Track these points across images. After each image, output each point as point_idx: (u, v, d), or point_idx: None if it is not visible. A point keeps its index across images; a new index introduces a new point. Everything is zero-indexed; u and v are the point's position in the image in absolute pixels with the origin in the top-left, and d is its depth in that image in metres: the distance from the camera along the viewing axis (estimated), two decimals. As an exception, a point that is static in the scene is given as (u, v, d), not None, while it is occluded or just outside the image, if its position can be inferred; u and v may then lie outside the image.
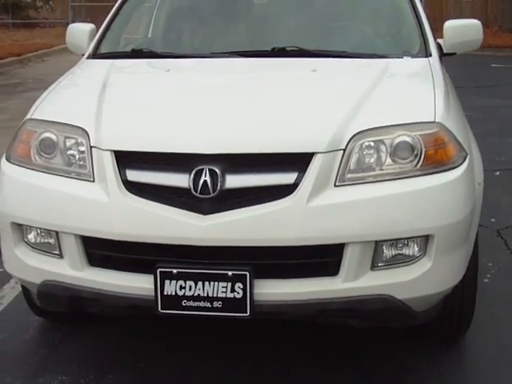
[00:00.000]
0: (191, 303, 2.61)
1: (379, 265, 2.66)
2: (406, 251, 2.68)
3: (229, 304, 2.59)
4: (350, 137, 2.66)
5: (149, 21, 4.42)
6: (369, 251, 2.62)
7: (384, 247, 2.65)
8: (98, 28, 4.02)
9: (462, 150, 2.83)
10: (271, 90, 3.11)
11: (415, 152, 2.69)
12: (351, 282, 2.62)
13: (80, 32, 4.00)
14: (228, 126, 2.72)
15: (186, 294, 2.60)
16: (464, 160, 2.81)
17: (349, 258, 2.60)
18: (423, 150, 2.69)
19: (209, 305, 2.60)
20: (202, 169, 2.58)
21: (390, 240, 2.65)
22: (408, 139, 2.70)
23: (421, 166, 2.69)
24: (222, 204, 2.58)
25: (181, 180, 2.60)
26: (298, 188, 2.57)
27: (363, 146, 2.68)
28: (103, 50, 3.82)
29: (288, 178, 2.59)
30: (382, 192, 2.64)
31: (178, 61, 3.59)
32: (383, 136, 2.70)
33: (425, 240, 2.68)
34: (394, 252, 2.68)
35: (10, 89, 11.32)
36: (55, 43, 16.59)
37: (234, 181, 2.59)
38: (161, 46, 4.01)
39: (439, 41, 3.76)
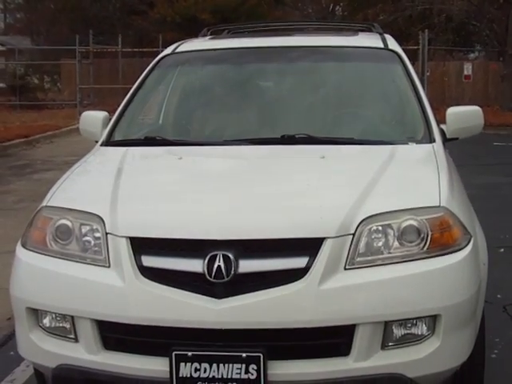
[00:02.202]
0: None
1: (389, 344, 2.74)
2: (414, 330, 2.76)
3: None
4: (358, 222, 2.77)
5: (160, 105, 4.57)
6: (379, 331, 2.70)
7: (393, 327, 2.73)
8: (109, 113, 4.17)
9: (467, 233, 2.94)
10: (281, 176, 3.24)
11: (422, 235, 2.80)
12: (362, 361, 2.69)
13: (94, 119, 4.13)
14: (239, 212, 2.84)
15: (201, 376, 2.66)
16: (469, 242, 2.92)
17: (360, 338, 2.67)
18: (429, 233, 2.80)
19: None
20: (216, 254, 2.68)
21: (399, 320, 2.73)
22: (415, 223, 2.81)
23: (427, 248, 2.80)
24: (235, 288, 2.67)
25: (195, 265, 2.70)
26: (310, 271, 2.67)
27: (372, 230, 2.79)
28: (117, 137, 3.95)
29: (300, 262, 2.69)
30: (390, 274, 2.74)
31: (191, 148, 3.73)
32: (391, 220, 2.82)
33: (433, 319, 2.76)
34: (403, 331, 2.75)
35: (17, 170, 11.45)
36: (63, 124, 16.89)
37: (246, 265, 2.69)
38: (172, 133, 4.14)
39: (442, 126, 3.91)
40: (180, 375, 2.67)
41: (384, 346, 2.73)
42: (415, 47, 19.80)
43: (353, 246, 2.74)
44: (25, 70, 24.89)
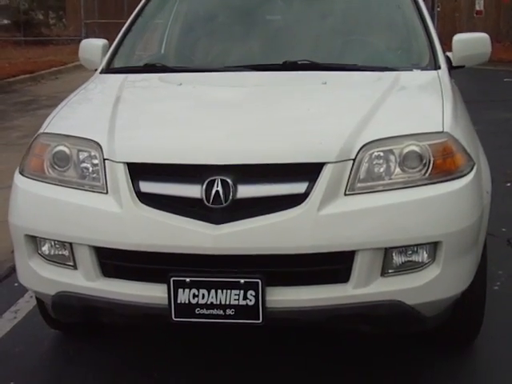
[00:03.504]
0: (204, 311, 2.66)
1: (389, 271, 2.71)
2: (415, 258, 2.73)
3: (241, 311, 2.64)
4: (359, 147, 2.72)
5: (162, 37, 4.49)
6: (379, 258, 2.67)
7: (394, 254, 2.70)
8: (111, 44, 4.09)
9: (470, 160, 2.88)
10: (281, 102, 3.18)
11: (424, 161, 2.74)
12: (362, 288, 2.67)
13: (93, 47, 4.06)
14: (238, 137, 2.78)
15: (199, 302, 2.65)
16: (472, 169, 2.86)
17: (359, 265, 2.65)
18: (431, 159, 2.75)
19: (222, 312, 2.65)
20: (214, 179, 2.64)
21: (400, 247, 2.70)
22: (417, 149, 2.75)
23: (429, 174, 2.74)
24: (233, 214, 2.63)
25: (193, 190, 2.66)
26: (309, 197, 2.63)
27: (373, 155, 2.74)
28: (116, 64, 3.89)
29: (299, 187, 2.65)
30: (391, 200, 2.69)
31: (191, 75, 3.67)
32: (392, 146, 2.76)
33: (433, 247, 2.73)
34: (403, 259, 2.72)
35: (22, 106, 11.42)
36: (68, 60, 16.71)
37: (245, 191, 2.65)
38: (174, 61, 4.09)
39: (448, 54, 3.81)
40: (178, 301, 2.66)
41: (384, 273, 2.70)
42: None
43: (353, 171, 2.69)
44: (29, 5, 24.53)
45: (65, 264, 2.88)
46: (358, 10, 4.07)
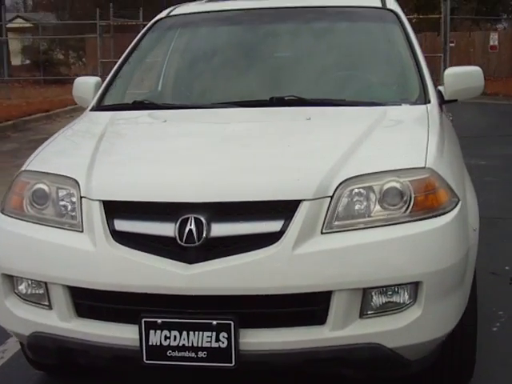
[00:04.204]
0: (176, 353, 2.59)
1: (368, 313, 2.62)
2: (395, 298, 2.64)
3: (214, 354, 2.57)
4: (337, 184, 2.65)
5: (159, 75, 4.50)
6: (357, 299, 2.58)
7: (373, 295, 2.62)
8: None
9: (454, 196, 2.80)
10: (262, 138, 3.14)
11: (404, 198, 2.67)
12: (339, 330, 2.58)
13: (86, 85, 4.07)
14: (213, 174, 2.73)
15: (171, 344, 2.58)
16: (456, 205, 2.77)
17: (336, 306, 2.56)
18: (413, 195, 2.67)
19: (194, 355, 2.58)
20: (188, 217, 2.59)
21: (379, 287, 2.61)
22: (397, 185, 2.68)
23: (410, 211, 2.67)
24: (207, 253, 2.58)
25: (167, 229, 2.61)
26: (284, 236, 2.56)
27: (352, 192, 2.67)
28: (107, 102, 3.88)
29: (274, 225, 2.58)
30: (369, 239, 2.61)
31: (177, 111, 3.65)
32: (372, 182, 2.69)
33: (414, 287, 2.63)
34: (383, 299, 2.63)
35: (36, 144, 11.28)
36: (84, 99, 16.88)
37: (219, 229, 2.59)
38: (163, 98, 4.10)
39: (440, 88, 3.75)
40: (150, 343, 2.59)
41: (362, 315, 2.61)
42: (437, 16, 19.37)
43: (331, 209, 2.62)
44: (48, 46, 24.96)
45: (40, 304, 2.84)
46: (348, 45, 4.03)
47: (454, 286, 2.73)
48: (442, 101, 3.71)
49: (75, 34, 25.30)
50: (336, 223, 2.63)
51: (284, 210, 2.59)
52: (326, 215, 2.61)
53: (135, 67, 4.17)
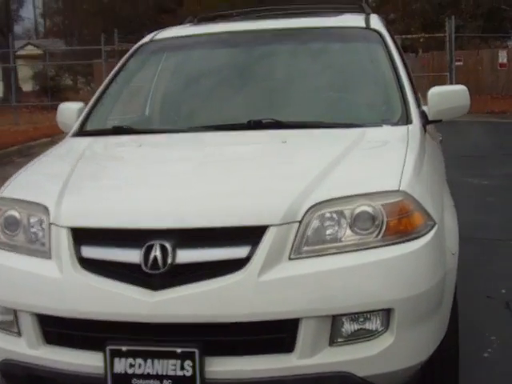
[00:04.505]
0: (141, 381, 2.54)
1: (338, 340, 2.55)
2: (367, 326, 2.57)
3: (179, 382, 2.52)
4: (306, 208, 2.60)
5: (143, 100, 4.48)
6: (326, 326, 2.52)
7: (343, 322, 2.55)
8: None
9: (430, 220, 2.73)
10: (234, 163, 3.10)
11: (376, 222, 2.61)
12: (307, 358, 2.51)
13: (69, 111, 4.06)
14: (179, 200, 2.69)
15: (136, 373, 2.54)
16: (431, 229, 2.70)
17: (304, 334, 2.50)
18: (385, 219, 2.61)
19: (159, 383, 2.52)
20: (153, 244, 2.55)
21: (348, 314, 2.54)
22: (369, 209, 2.62)
23: (382, 236, 2.60)
24: (172, 279, 2.53)
25: (132, 256, 2.58)
26: (250, 262, 2.51)
27: (322, 217, 2.61)
28: (88, 127, 3.86)
29: (241, 251, 2.53)
30: (339, 264, 2.55)
31: (153, 137, 3.62)
32: (343, 207, 2.63)
33: (386, 314, 2.56)
34: (354, 327, 2.57)
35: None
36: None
37: (184, 256, 2.54)
38: (146, 123, 4.06)
39: (424, 108, 3.68)
40: (115, 371, 2.55)
41: (332, 342, 2.54)
42: (442, 35, 19.33)
43: (299, 234, 2.56)
44: (56, 72, 25.19)
45: (10, 331, 2.82)
46: (330, 66, 3.98)
47: (429, 312, 2.65)
48: (425, 121, 3.65)
49: (82, 59, 25.55)
50: (305, 248, 2.57)
51: (251, 235, 2.54)
52: (294, 240, 2.56)
53: (118, 92, 4.14)
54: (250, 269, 2.49)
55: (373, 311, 2.55)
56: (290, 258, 2.54)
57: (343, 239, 2.60)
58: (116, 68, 4.22)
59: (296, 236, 2.56)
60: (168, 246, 2.53)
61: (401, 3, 25.09)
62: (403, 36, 25.16)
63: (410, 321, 2.58)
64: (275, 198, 2.64)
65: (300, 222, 2.57)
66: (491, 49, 23.70)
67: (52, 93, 22.57)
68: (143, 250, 2.55)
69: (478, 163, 10.29)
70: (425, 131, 3.58)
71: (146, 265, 2.54)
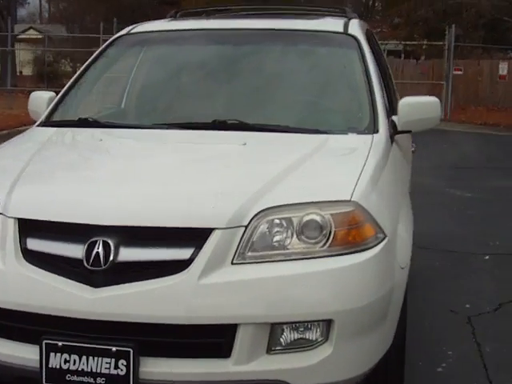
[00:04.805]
0: (75, 378, 2.53)
1: (276, 348, 2.54)
2: (307, 335, 2.56)
3: (112, 381, 2.50)
4: (254, 213, 2.58)
5: (118, 93, 4.45)
6: (264, 334, 2.50)
7: (282, 330, 2.54)
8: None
9: (380, 232, 2.71)
10: (189, 163, 3.08)
11: (324, 232, 2.59)
12: (243, 365, 2.50)
13: (40, 100, 4.02)
14: (126, 197, 2.67)
15: (71, 368, 2.52)
16: (380, 242, 2.68)
17: (241, 340, 2.48)
18: (333, 229, 2.59)
19: (92, 381, 2.52)
20: (96, 240, 2.53)
21: (287, 323, 2.52)
22: (317, 218, 2.60)
23: (329, 246, 2.59)
24: (113, 277, 2.52)
25: (75, 251, 2.56)
26: (192, 264, 2.49)
27: (269, 223, 2.59)
28: (55, 118, 3.84)
29: (184, 253, 2.52)
30: (281, 272, 2.54)
31: (115, 131, 3.59)
32: (291, 214, 2.61)
33: (327, 324, 2.55)
34: (294, 336, 2.55)
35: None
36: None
37: (127, 254, 2.53)
38: (111, 117, 4.01)
39: (394, 118, 3.66)
40: (50, 366, 2.54)
41: (270, 350, 2.53)
42: (441, 43, 19.29)
43: (244, 239, 2.55)
44: (54, 58, 25.12)
45: None
46: (302, 70, 3.95)
47: (371, 325, 2.64)
48: (394, 131, 3.63)
49: (82, 47, 25.47)
50: (249, 254, 2.55)
51: (196, 237, 2.53)
52: (238, 245, 2.54)
53: (90, 84, 4.11)
54: (190, 271, 2.48)
55: (313, 321, 2.53)
56: (232, 263, 2.53)
57: (289, 247, 2.58)
58: (90, 59, 4.20)
59: (241, 241, 2.54)
60: (111, 243, 2.52)
61: (405, 9, 25.02)
62: (402, 42, 25.14)
63: (351, 333, 2.56)
64: (223, 201, 2.62)
65: (246, 226, 2.56)
66: (492, 60, 23.64)
67: (49, 78, 22.51)
68: (86, 245, 2.54)
69: (463, 175, 10.28)
70: (392, 141, 3.56)
71: (87, 261, 2.52)
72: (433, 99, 3.71)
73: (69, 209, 2.65)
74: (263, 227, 2.58)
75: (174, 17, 4.73)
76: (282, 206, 2.62)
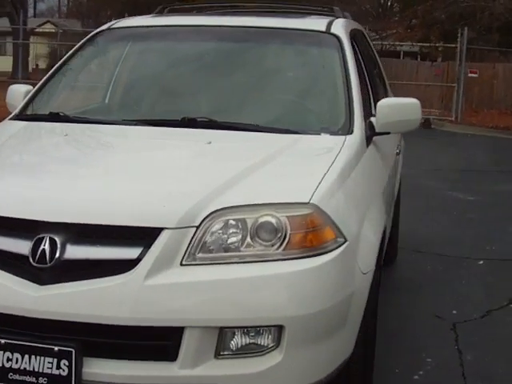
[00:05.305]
0: (17, 377, 2.46)
1: (225, 353, 2.46)
2: (259, 340, 2.48)
3: (54, 381, 2.44)
4: (207, 214, 2.50)
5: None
6: (211, 338, 2.43)
7: (232, 334, 2.46)
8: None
9: (340, 236, 2.62)
10: (146, 160, 3.00)
11: (279, 234, 2.50)
12: (189, 369, 2.42)
13: (17, 93, 3.99)
14: (76, 194, 2.61)
15: (13, 367, 2.46)
16: (339, 246, 2.59)
17: (187, 344, 2.41)
18: (288, 232, 2.50)
19: (34, 380, 2.45)
20: (43, 237, 2.47)
21: (237, 327, 2.44)
22: (272, 220, 2.51)
23: (284, 249, 2.50)
24: (59, 275, 2.46)
25: (22, 247, 2.50)
26: (139, 264, 2.42)
27: (223, 224, 2.51)
28: (28, 111, 3.80)
29: (132, 252, 2.45)
30: (232, 275, 2.46)
31: (84, 126, 3.53)
32: (246, 215, 2.53)
33: (279, 330, 2.46)
34: (245, 340, 2.47)
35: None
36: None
37: (74, 251, 2.46)
38: (90, 113, 3.95)
39: (372, 119, 3.56)
40: None
41: (218, 355, 2.45)
42: (454, 45, 19.09)
43: (195, 239, 2.47)
44: (67, 52, 25.12)
45: None
46: (279, 69, 3.86)
47: (327, 332, 2.56)
48: (372, 133, 3.54)
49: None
50: (199, 255, 2.47)
51: (145, 237, 2.45)
52: (188, 246, 2.46)
53: (67, 78, 4.06)
54: (137, 271, 2.41)
55: (264, 327, 2.45)
56: (181, 264, 2.45)
57: (243, 249, 2.50)
58: (69, 53, 4.16)
59: (191, 241, 2.47)
60: (58, 240, 2.46)
61: (421, 11, 24.80)
62: (415, 44, 24.95)
63: (303, 340, 2.48)
64: (175, 200, 2.55)
65: (198, 227, 2.48)
66: (508, 63, 23.34)
67: (61, 72, 22.53)
68: (33, 242, 2.48)
69: (468, 177, 10.12)
70: (369, 143, 3.47)
71: (33, 258, 2.46)
72: (413, 101, 3.62)
73: (17, 204, 2.59)
74: (216, 228, 2.50)
75: (162, 12, 4.66)
76: (237, 206, 2.54)
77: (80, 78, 4.23)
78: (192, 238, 2.46)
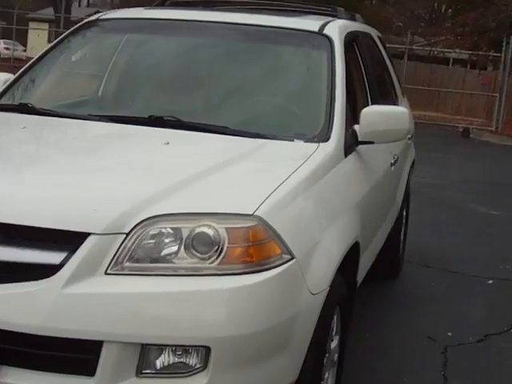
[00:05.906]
0: None
1: (147, 371, 2.29)
2: (186, 360, 2.30)
3: None
4: (138, 221, 2.33)
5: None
6: (133, 354, 2.26)
7: (159, 351, 2.28)
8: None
9: (286, 253, 2.41)
10: (90, 160, 2.83)
11: (216, 247, 2.31)
12: None
13: None
14: (4, 192, 2.45)
15: None
16: (283, 264, 2.39)
17: (105, 359, 2.24)
18: (226, 245, 2.32)
19: None
20: None
21: (160, 345, 2.26)
22: (209, 231, 2.33)
23: (219, 263, 2.31)
24: None
25: None
26: (60, 271, 2.26)
27: (156, 232, 2.33)
28: (3, 101, 3.69)
29: (55, 257, 2.29)
30: (159, 288, 2.28)
31: (47, 119, 3.38)
32: (182, 224, 2.35)
33: (207, 351, 2.27)
34: (171, 359, 2.29)
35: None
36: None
37: None
38: (47, 104, 3.72)
39: (356, 127, 3.34)
40: None
41: (140, 373, 2.27)
42: (498, 55, 18.58)
43: (123, 248, 2.30)
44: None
45: None
46: (261, 69, 3.66)
47: (262, 356, 2.36)
48: (355, 142, 3.32)
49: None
50: (127, 264, 2.30)
51: (72, 241, 2.29)
52: (115, 254, 2.29)
53: (47, 68, 3.93)
54: (56, 278, 2.25)
55: (187, 346, 2.27)
56: (106, 273, 2.28)
57: (175, 260, 2.32)
58: (52, 44, 4.05)
59: (119, 249, 2.30)
60: None
61: (471, 18, 24.25)
62: (459, 51, 24.44)
63: (232, 362, 2.29)
64: (107, 204, 2.38)
65: (127, 234, 2.31)
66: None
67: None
68: None
69: (495, 191, 9.74)
70: (348, 152, 3.26)
71: None
72: (400, 110, 3.41)
73: None
74: (147, 236, 2.33)
75: (162, 5, 4.51)
76: (174, 214, 2.36)
77: (62, 68, 4.10)
78: (120, 245, 2.30)
